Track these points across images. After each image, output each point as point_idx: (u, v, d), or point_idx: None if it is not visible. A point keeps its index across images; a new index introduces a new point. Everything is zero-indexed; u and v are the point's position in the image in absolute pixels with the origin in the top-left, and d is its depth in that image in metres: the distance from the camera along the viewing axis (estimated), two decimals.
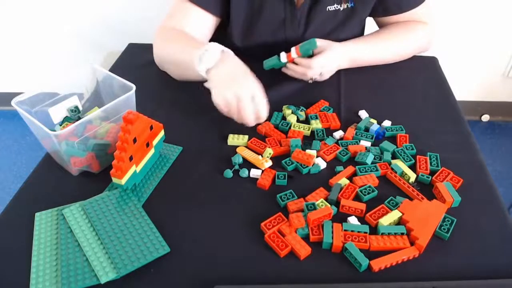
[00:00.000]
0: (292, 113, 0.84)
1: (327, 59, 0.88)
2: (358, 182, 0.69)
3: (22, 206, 0.67)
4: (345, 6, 0.92)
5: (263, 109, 0.74)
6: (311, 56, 0.87)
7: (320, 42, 0.87)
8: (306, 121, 0.83)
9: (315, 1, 0.90)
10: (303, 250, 0.59)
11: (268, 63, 0.89)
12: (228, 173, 0.71)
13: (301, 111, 0.84)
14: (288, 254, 0.60)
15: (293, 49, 0.86)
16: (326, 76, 0.92)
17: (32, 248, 0.59)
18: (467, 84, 1.91)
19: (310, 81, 0.91)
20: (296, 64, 0.88)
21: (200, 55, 0.76)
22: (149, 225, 0.62)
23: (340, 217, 0.64)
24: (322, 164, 0.73)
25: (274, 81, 0.91)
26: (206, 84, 0.77)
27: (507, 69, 1.86)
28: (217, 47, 0.76)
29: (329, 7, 0.91)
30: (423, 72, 1.02)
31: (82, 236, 0.60)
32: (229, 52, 0.78)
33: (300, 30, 0.95)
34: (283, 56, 0.87)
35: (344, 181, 0.69)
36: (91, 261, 0.57)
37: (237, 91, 0.72)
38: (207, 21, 0.92)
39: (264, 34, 0.96)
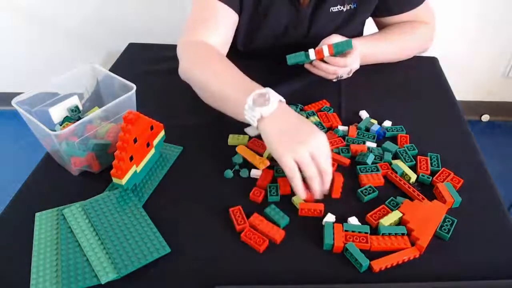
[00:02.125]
0: None
1: (356, 57, 0.87)
2: (364, 180, 0.69)
3: (22, 206, 0.67)
4: (348, 7, 0.92)
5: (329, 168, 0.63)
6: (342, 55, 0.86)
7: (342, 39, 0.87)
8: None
9: (319, 3, 0.90)
10: (277, 235, 0.61)
11: (293, 59, 0.86)
12: (229, 173, 0.71)
13: (300, 109, 0.85)
14: (287, 252, 0.60)
15: (325, 48, 0.84)
16: (351, 74, 0.91)
17: (32, 248, 0.59)
18: (467, 84, 1.91)
19: (335, 80, 0.90)
20: (324, 62, 0.86)
21: (254, 99, 0.64)
22: (150, 225, 0.62)
23: (342, 215, 0.64)
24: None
25: (274, 81, 0.90)
26: (250, 131, 0.69)
27: (507, 69, 1.86)
28: (276, 94, 0.65)
29: (332, 8, 0.91)
30: (423, 72, 1.02)
31: (82, 236, 0.60)
32: (284, 103, 0.67)
33: (303, 32, 0.95)
34: (312, 53, 0.85)
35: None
36: (91, 261, 0.57)
37: (311, 144, 0.61)
38: (233, 20, 0.88)
39: (267, 38, 0.95)
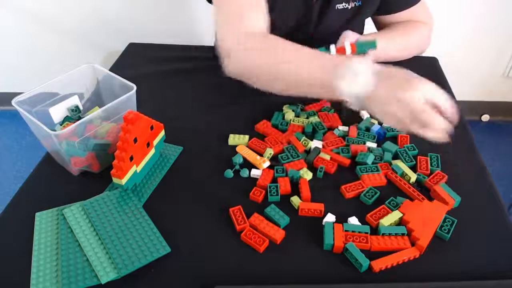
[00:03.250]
0: (292, 111, 0.84)
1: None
2: (366, 181, 0.70)
3: (22, 206, 0.67)
4: (353, 5, 0.92)
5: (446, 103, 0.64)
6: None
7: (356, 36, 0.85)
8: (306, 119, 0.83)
9: (325, 1, 0.90)
10: (277, 235, 0.61)
11: None
12: (229, 173, 0.71)
13: (300, 109, 0.85)
14: (287, 252, 0.60)
15: (347, 45, 0.81)
16: None
17: (32, 248, 0.59)
18: (467, 84, 1.91)
19: None
20: None
21: (350, 71, 0.65)
22: (150, 225, 0.62)
23: (342, 215, 0.64)
24: (318, 144, 0.76)
25: None
26: (353, 106, 0.67)
27: (507, 69, 1.86)
28: (371, 65, 0.67)
29: (338, 5, 0.91)
30: (423, 72, 1.01)
31: (83, 236, 0.60)
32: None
33: (310, 30, 0.94)
34: (333, 49, 0.82)
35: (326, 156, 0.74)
36: (91, 261, 0.57)
37: (422, 91, 0.63)
38: (264, 3, 0.82)
39: (276, 35, 0.95)
